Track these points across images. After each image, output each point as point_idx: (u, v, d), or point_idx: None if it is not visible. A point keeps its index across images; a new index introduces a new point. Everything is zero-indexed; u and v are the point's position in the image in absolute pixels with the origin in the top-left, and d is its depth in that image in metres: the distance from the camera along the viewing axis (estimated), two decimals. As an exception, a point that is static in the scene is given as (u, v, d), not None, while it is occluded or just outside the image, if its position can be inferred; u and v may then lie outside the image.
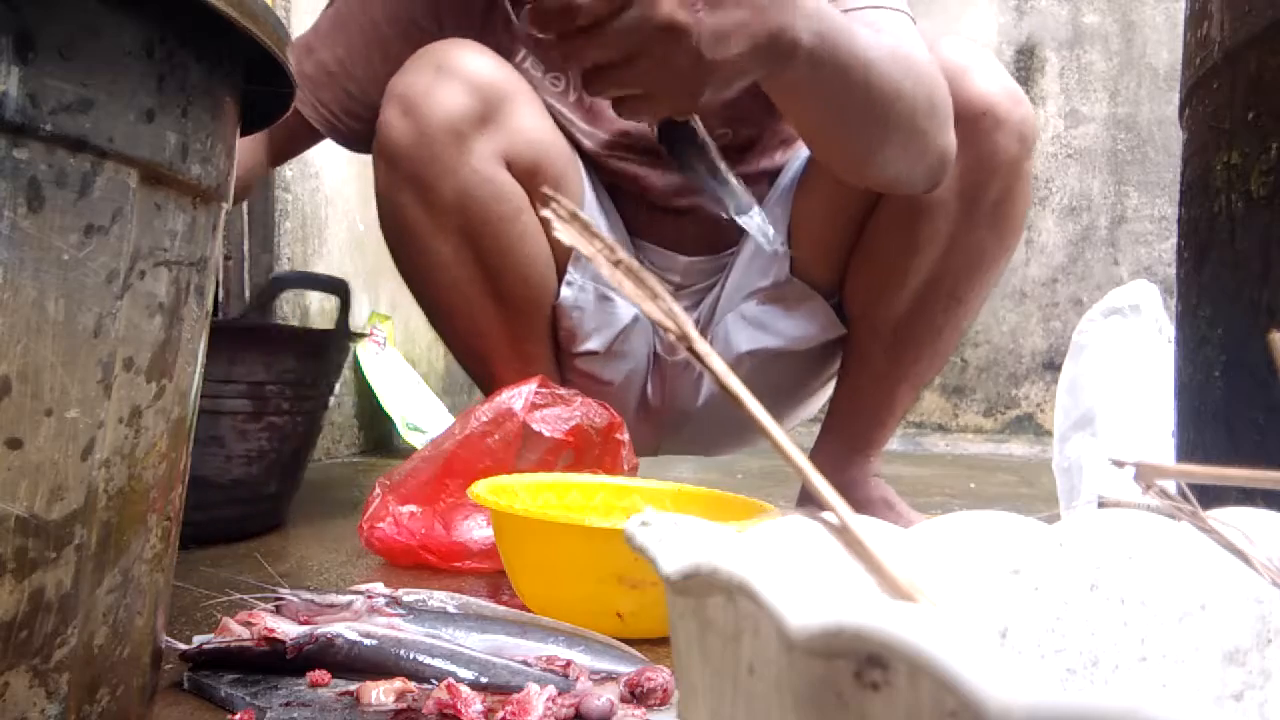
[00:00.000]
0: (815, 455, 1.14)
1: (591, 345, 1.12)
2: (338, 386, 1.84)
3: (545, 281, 1.07)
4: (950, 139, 0.88)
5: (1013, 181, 0.99)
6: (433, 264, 1.02)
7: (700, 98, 0.72)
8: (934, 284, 1.05)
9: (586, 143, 1.08)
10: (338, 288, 1.12)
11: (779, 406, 1.19)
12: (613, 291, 1.11)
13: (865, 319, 1.10)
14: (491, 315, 1.05)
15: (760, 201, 1.09)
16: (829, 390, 1.19)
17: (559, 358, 1.14)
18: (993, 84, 0.96)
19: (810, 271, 1.10)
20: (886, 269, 1.05)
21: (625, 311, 1.12)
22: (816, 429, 1.19)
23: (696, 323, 1.15)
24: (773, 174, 1.12)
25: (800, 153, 1.12)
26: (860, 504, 1.09)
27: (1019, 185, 1.01)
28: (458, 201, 0.98)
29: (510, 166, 0.99)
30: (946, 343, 1.11)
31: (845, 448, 1.13)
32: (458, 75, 0.95)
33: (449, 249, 1.01)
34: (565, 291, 1.09)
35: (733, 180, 0.82)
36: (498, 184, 0.98)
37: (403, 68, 0.97)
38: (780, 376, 1.14)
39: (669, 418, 1.21)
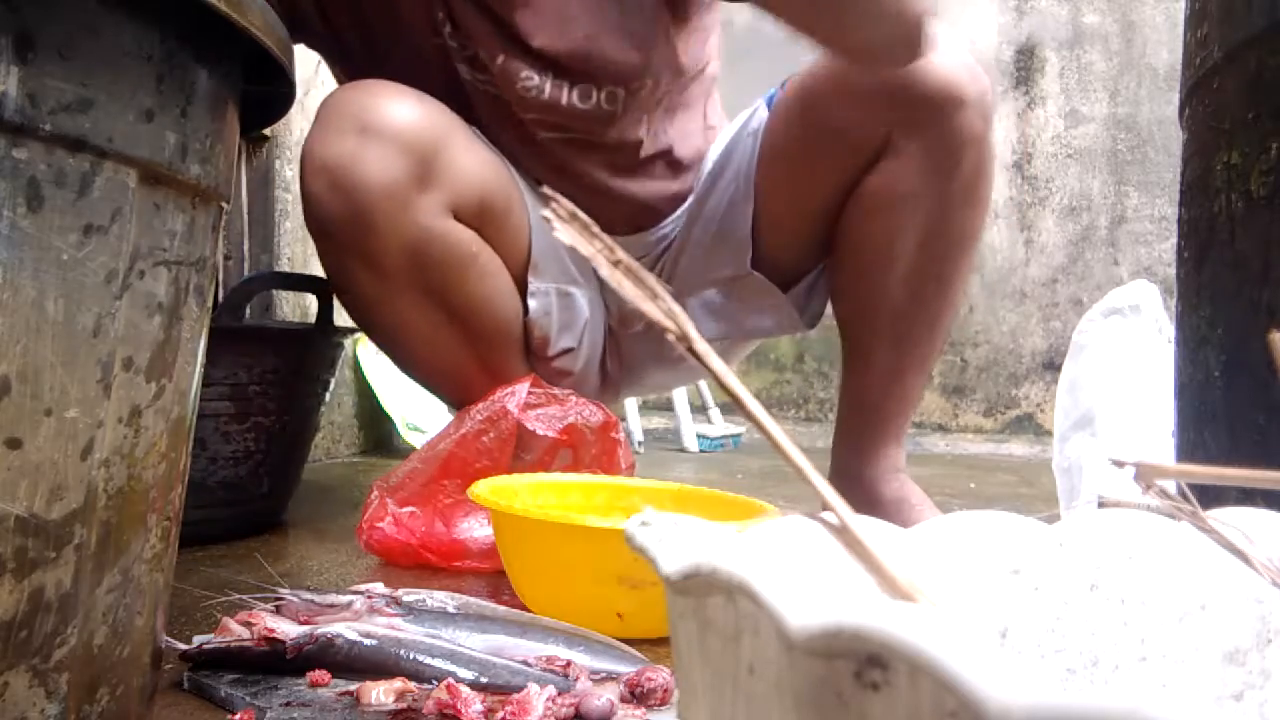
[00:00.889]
0: (836, 454, 1.13)
1: (565, 344, 1.12)
2: (338, 386, 1.83)
3: (512, 308, 1.06)
4: (924, 4, 0.88)
5: (980, 157, 1.00)
6: (396, 325, 0.98)
7: None
8: (920, 269, 1.04)
9: (506, 135, 1.05)
10: (315, 286, 1.10)
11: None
12: (570, 287, 1.11)
13: (859, 315, 1.09)
14: (466, 357, 1.02)
15: (686, 192, 1.12)
16: None
17: (531, 365, 1.14)
18: (953, 63, 0.96)
19: (776, 260, 1.10)
20: (871, 262, 1.05)
21: (582, 299, 1.12)
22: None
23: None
24: (667, 151, 1.11)
25: (723, 134, 1.13)
26: (884, 503, 1.08)
27: (986, 159, 1.02)
28: (411, 262, 0.93)
29: (457, 214, 0.95)
30: (944, 322, 1.10)
31: (864, 445, 1.11)
32: (384, 135, 0.87)
33: (410, 307, 0.97)
34: (532, 304, 1.07)
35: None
36: (449, 236, 0.95)
37: (319, 123, 0.89)
38: (739, 356, 1.18)
39: (627, 379, 1.24)
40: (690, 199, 1.14)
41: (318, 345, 1.09)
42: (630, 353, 1.21)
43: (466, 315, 1.00)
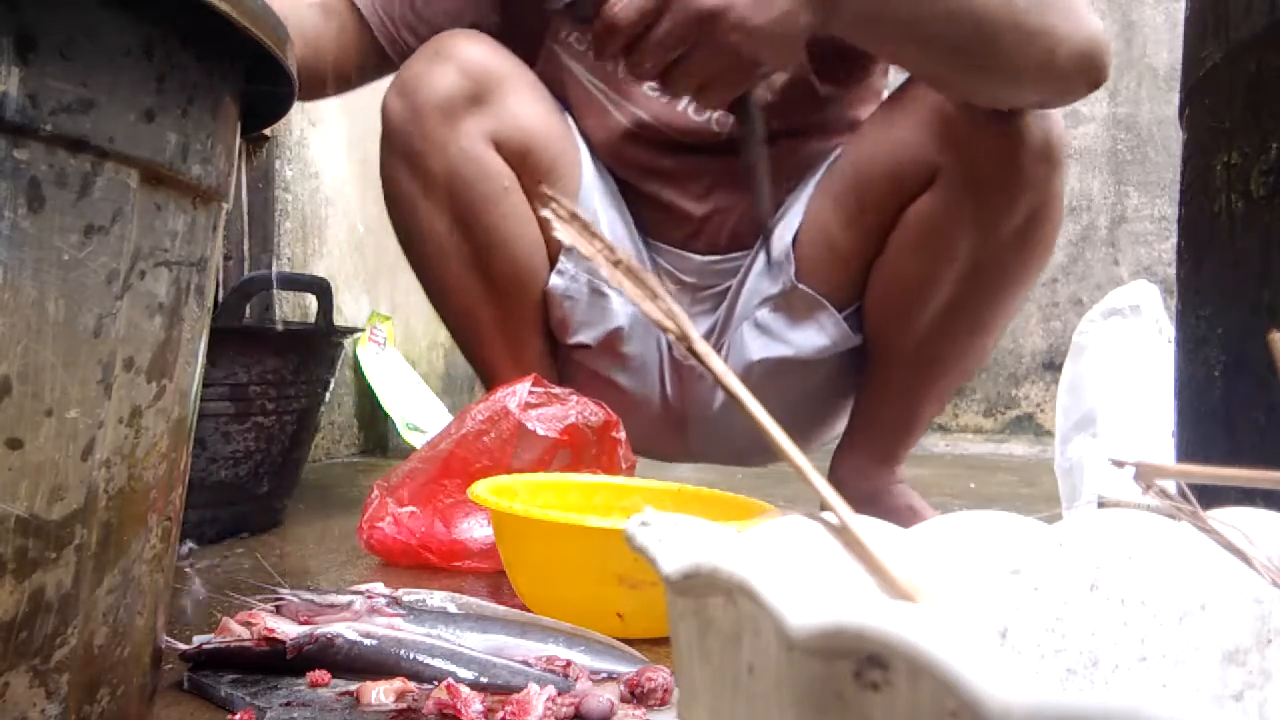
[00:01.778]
0: (837, 465, 1.12)
1: (582, 338, 1.12)
2: (338, 386, 1.83)
3: (532, 264, 1.08)
4: (1088, 27, 0.82)
5: (1041, 202, 0.96)
6: (427, 239, 1.05)
7: (762, 66, 0.76)
8: (956, 306, 1.02)
9: (601, 133, 1.08)
10: (315, 287, 1.12)
11: (794, 420, 1.16)
12: (608, 288, 1.11)
13: (885, 337, 1.07)
14: (481, 295, 1.08)
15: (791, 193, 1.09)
16: (845, 415, 1.17)
17: (555, 350, 1.15)
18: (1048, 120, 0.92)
19: (820, 278, 1.07)
20: (907, 290, 1.02)
21: (621, 310, 1.11)
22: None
23: (713, 327, 1.13)
24: (810, 164, 1.10)
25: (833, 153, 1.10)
26: (885, 514, 1.07)
27: (1047, 206, 0.97)
28: (446, 178, 1.01)
29: (499, 147, 1.01)
30: (972, 360, 1.09)
31: (868, 459, 1.11)
32: (452, 59, 1.00)
33: (442, 225, 1.04)
34: (555, 280, 1.10)
35: (766, 181, 0.83)
36: (484, 163, 1.01)
37: (411, 57, 1.03)
38: (791, 387, 1.11)
39: (693, 421, 1.19)
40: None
41: (318, 345, 1.09)
42: (692, 390, 1.16)
43: (487, 249, 1.05)
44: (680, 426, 1.19)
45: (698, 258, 1.12)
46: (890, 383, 1.09)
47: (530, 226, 1.06)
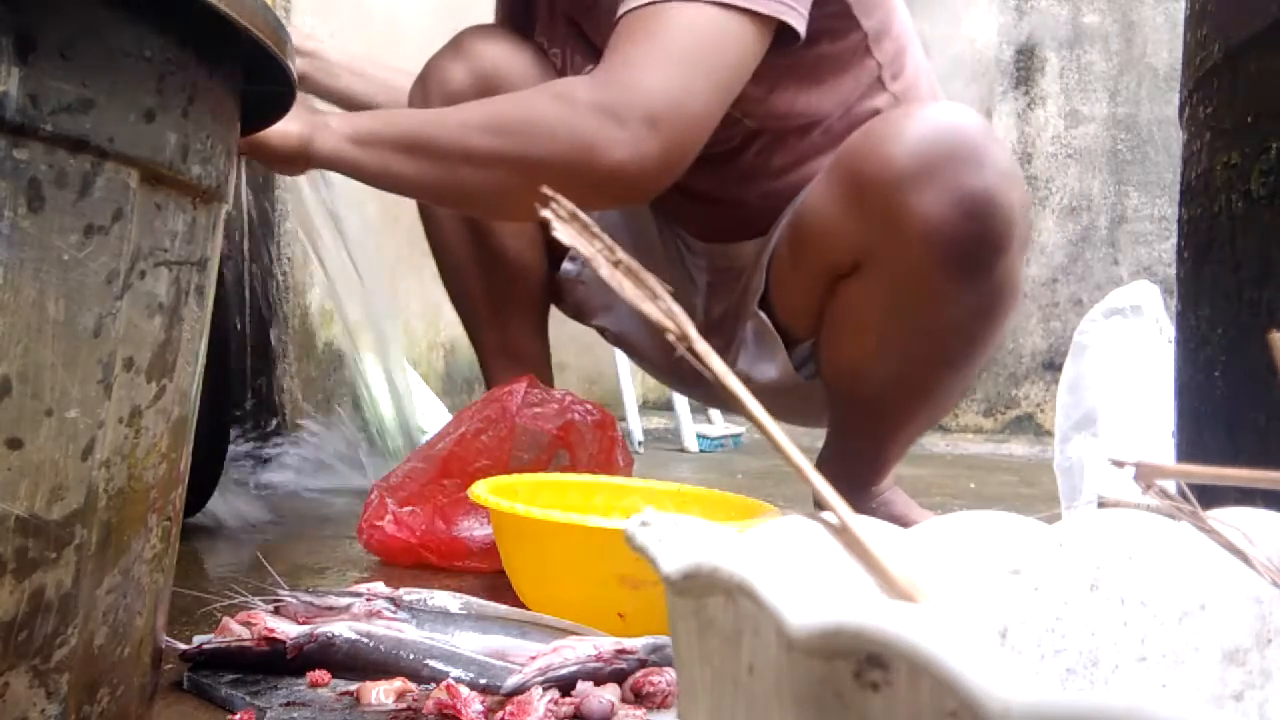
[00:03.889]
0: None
1: (602, 322, 1.17)
2: (338, 386, 1.83)
3: (526, 258, 1.12)
4: (611, 155, 0.80)
5: (981, 297, 0.89)
6: (440, 227, 1.12)
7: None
8: (902, 379, 0.97)
9: None
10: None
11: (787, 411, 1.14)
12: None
13: (837, 389, 1.03)
14: (481, 289, 1.13)
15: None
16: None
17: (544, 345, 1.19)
18: (938, 204, 0.82)
19: (783, 311, 1.04)
20: (848, 364, 0.99)
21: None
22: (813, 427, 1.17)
23: (725, 314, 1.12)
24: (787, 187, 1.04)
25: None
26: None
27: (991, 297, 0.90)
28: None
29: None
30: (932, 414, 1.05)
31: (842, 480, 1.09)
32: (464, 55, 1.05)
33: (451, 215, 1.10)
34: (568, 265, 1.14)
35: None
36: None
37: (439, 50, 1.09)
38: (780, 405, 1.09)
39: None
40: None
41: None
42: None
43: (485, 239, 1.10)
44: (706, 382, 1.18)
45: (717, 245, 1.12)
46: (850, 430, 1.06)
47: (529, 224, 1.09)
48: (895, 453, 1.10)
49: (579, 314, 1.20)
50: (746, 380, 1.08)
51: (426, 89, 1.05)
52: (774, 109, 0.99)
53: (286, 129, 0.84)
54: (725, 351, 1.11)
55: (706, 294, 1.14)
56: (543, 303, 1.18)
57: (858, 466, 1.09)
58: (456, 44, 1.07)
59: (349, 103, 1.18)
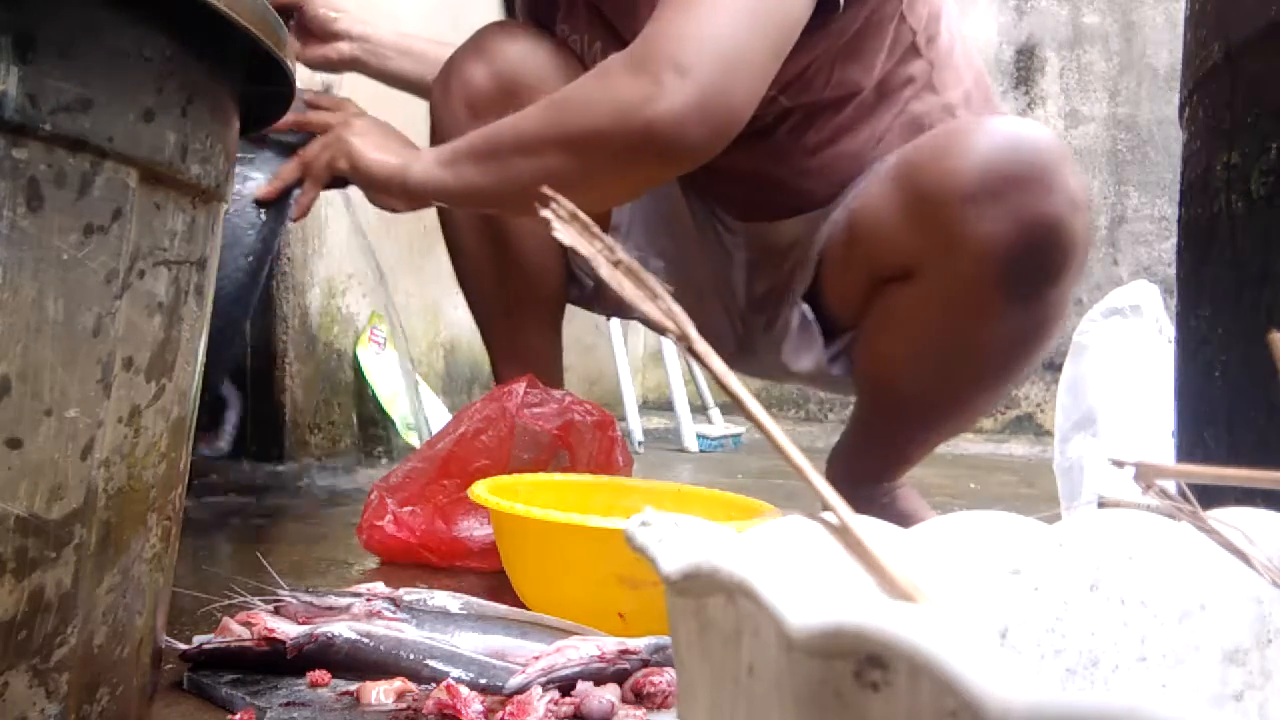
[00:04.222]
0: (830, 471, 1.10)
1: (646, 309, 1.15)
2: (337, 387, 1.83)
3: (545, 265, 1.10)
4: (653, 109, 0.77)
5: (1029, 321, 0.88)
6: (460, 228, 1.11)
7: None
8: (936, 390, 0.97)
9: None
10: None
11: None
12: (654, 259, 1.12)
13: (873, 387, 1.03)
14: (497, 295, 1.12)
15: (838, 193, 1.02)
16: None
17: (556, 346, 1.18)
18: (1000, 222, 0.81)
19: (828, 302, 1.03)
20: (885, 367, 0.98)
21: (667, 278, 1.11)
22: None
23: (769, 292, 1.09)
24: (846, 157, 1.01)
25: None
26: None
27: (1038, 324, 0.90)
28: None
29: None
30: (961, 424, 1.06)
31: (857, 476, 1.08)
32: (485, 55, 1.03)
33: (471, 217, 1.10)
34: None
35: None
36: None
37: (458, 49, 1.08)
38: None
39: (772, 357, 1.14)
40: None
41: None
42: (768, 342, 1.12)
43: (504, 246, 1.09)
44: (762, 363, 1.16)
45: (762, 224, 1.08)
46: (874, 426, 1.06)
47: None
48: (913, 457, 1.10)
49: (619, 312, 1.18)
50: (785, 371, 1.08)
51: (448, 89, 1.04)
52: (809, 83, 0.96)
53: (385, 159, 0.90)
54: (770, 329, 1.09)
55: (747, 272, 1.11)
56: (558, 306, 1.17)
57: (873, 464, 1.09)
58: (477, 43, 1.05)
59: (403, 84, 1.18)
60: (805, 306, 1.04)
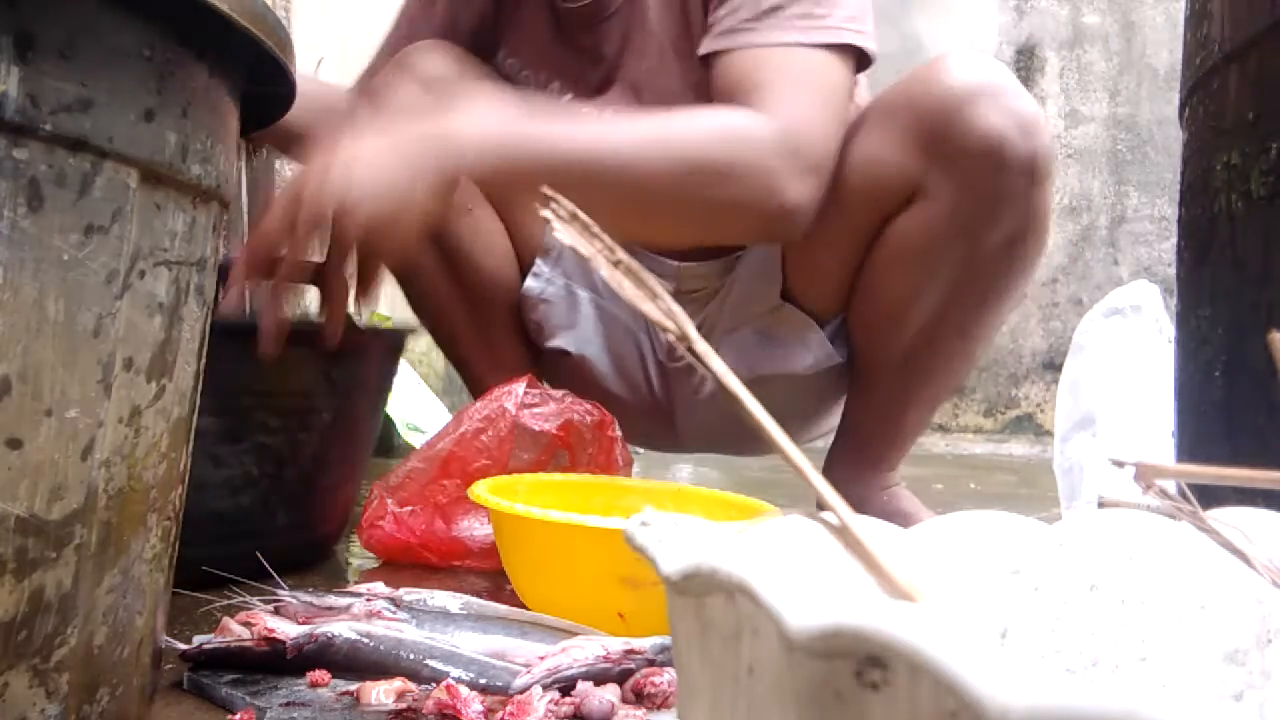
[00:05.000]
0: (828, 469, 1.11)
1: (560, 343, 1.13)
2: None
3: (502, 276, 1.10)
4: (787, 194, 0.84)
5: (1023, 220, 0.95)
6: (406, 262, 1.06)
7: (397, 239, 0.74)
8: (940, 320, 1.01)
9: None
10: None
11: (786, 423, 1.15)
12: (582, 290, 1.11)
13: (870, 350, 1.07)
14: (457, 304, 1.10)
15: None
16: (839, 410, 1.16)
17: (537, 354, 1.16)
18: (998, 117, 0.89)
19: (807, 295, 1.07)
20: (891, 305, 1.02)
21: (589, 308, 1.12)
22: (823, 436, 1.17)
23: (699, 329, 1.12)
24: None
25: None
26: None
27: (1031, 223, 0.96)
28: None
29: None
30: (958, 371, 1.08)
31: (857, 466, 1.10)
32: (411, 72, 1.02)
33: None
34: (530, 282, 1.11)
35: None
36: None
37: (383, 62, 1.06)
38: (781, 400, 1.09)
39: (681, 413, 1.19)
40: None
41: (344, 349, 0.84)
42: (682, 392, 1.16)
43: (456, 261, 1.07)
44: (669, 419, 1.20)
45: (675, 263, 1.11)
46: (876, 393, 1.08)
47: (499, 237, 1.08)
48: (913, 427, 1.11)
49: (538, 334, 1.14)
50: (786, 379, 1.09)
51: (378, 105, 1.01)
52: None
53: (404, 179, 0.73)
54: (692, 373, 1.13)
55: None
56: (518, 303, 1.15)
57: (875, 447, 1.11)
58: (400, 62, 1.03)
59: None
60: (789, 307, 1.07)
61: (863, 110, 0.99)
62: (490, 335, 1.12)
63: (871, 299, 1.03)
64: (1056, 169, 0.98)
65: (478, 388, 1.14)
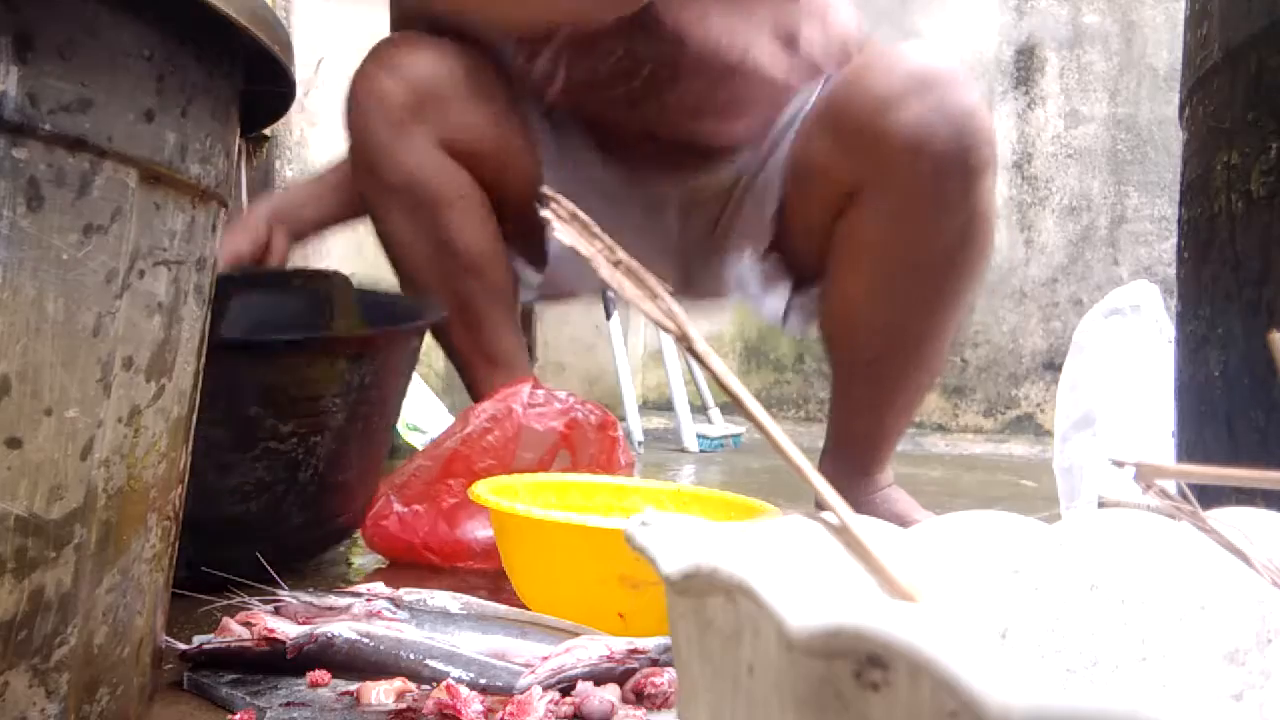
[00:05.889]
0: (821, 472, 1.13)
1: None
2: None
3: (492, 266, 1.10)
4: None
5: (965, 216, 0.94)
6: (394, 243, 1.08)
7: None
8: (899, 322, 1.03)
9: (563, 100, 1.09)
10: (316, 289, 0.94)
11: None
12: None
13: (839, 351, 1.09)
14: (452, 298, 1.10)
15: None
16: None
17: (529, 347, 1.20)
18: (922, 115, 0.88)
19: (793, 246, 1.08)
20: (849, 309, 1.04)
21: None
22: (816, 429, 1.18)
23: (711, 233, 1.14)
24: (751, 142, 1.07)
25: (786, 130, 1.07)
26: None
27: (973, 218, 0.94)
28: (402, 184, 1.03)
29: (451, 152, 1.04)
30: (926, 369, 1.09)
31: (845, 471, 1.11)
32: (396, 70, 1.02)
33: (405, 230, 1.07)
34: (524, 294, 1.16)
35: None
36: (435, 168, 1.03)
37: (361, 64, 1.06)
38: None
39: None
40: (768, 141, 1.07)
41: (335, 350, 0.85)
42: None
43: (445, 252, 1.07)
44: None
45: (688, 180, 1.11)
46: (852, 397, 1.10)
47: (489, 225, 1.09)
48: (894, 425, 1.12)
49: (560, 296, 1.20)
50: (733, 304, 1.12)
51: (364, 112, 1.02)
52: (690, 36, 1.01)
53: None
54: (709, 265, 1.15)
55: (680, 219, 1.15)
56: (513, 298, 1.16)
57: (860, 449, 1.12)
58: (382, 59, 1.03)
59: (339, 222, 1.20)
60: (776, 256, 1.09)
61: (812, 109, 1.01)
62: (479, 319, 1.12)
63: (834, 300, 1.05)
64: (995, 159, 0.95)
65: (467, 375, 1.15)
